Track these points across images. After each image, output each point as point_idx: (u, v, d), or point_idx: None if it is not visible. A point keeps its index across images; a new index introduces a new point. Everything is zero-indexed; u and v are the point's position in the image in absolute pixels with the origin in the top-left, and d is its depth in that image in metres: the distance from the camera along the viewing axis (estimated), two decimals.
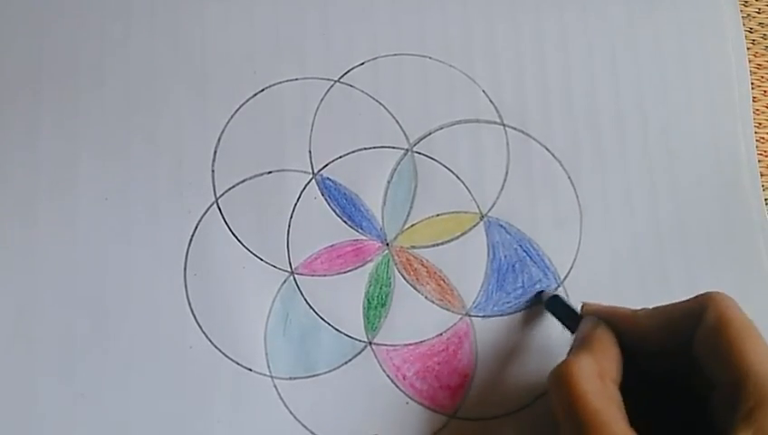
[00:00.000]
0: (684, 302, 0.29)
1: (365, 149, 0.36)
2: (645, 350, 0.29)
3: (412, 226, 0.36)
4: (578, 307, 0.33)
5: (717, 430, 0.26)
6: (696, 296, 0.28)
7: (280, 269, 0.35)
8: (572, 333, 0.32)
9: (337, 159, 0.36)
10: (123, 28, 0.36)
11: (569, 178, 0.37)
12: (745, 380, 0.25)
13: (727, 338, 0.26)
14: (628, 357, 0.29)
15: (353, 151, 0.36)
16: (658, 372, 0.29)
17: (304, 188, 0.35)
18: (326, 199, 0.35)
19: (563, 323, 0.34)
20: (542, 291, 0.35)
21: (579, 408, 0.26)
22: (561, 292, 0.35)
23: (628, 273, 0.36)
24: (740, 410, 0.25)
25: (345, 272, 0.35)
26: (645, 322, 0.30)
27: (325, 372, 0.34)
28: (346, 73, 0.37)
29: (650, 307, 0.30)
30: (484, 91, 0.37)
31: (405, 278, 0.35)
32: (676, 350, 0.28)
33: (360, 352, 0.34)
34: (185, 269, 0.34)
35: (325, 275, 0.35)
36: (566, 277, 0.36)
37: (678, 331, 0.28)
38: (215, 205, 0.35)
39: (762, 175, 0.38)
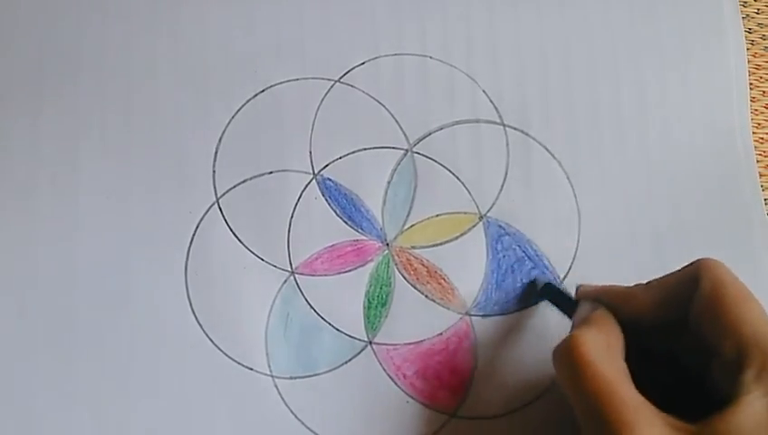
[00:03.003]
0: (677, 272, 0.29)
1: (365, 149, 0.36)
2: (642, 326, 0.29)
3: (412, 226, 0.36)
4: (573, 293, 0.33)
5: (721, 396, 0.26)
6: (689, 265, 0.29)
7: (280, 269, 0.35)
8: (570, 318, 0.32)
9: (337, 159, 0.36)
10: (123, 28, 0.36)
11: (567, 178, 0.37)
12: (748, 343, 0.25)
13: (724, 304, 0.26)
14: (626, 335, 0.29)
15: (353, 152, 0.36)
16: (657, 347, 0.30)
17: (305, 189, 0.35)
18: (326, 200, 0.35)
19: (560, 310, 0.33)
20: (535, 280, 0.35)
21: (588, 377, 0.26)
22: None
23: (626, 273, 0.35)
24: (746, 374, 0.25)
25: (345, 272, 0.35)
26: (641, 297, 0.30)
27: (326, 372, 0.34)
28: (346, 73, 0.37)
29: (644, 282, 0.30)
30: (484, 91, 0.37)
31: (405, 278, 0.35)
32: (673, 323, 0.28)
33: (360, 352, 0.34)
34: (186, 269, 0.34)
35: (325, 275, 0.35)
36: (565, 277, 0.36)
37: (674, 302, 0.28)
38: (215, 205, 0.35)
39: (761, 175, 0.38)
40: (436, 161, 0.36)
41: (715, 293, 0.27)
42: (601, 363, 0.26)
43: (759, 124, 0.39)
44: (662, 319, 0.29)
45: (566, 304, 0.33)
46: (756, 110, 0.39)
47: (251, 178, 0.35)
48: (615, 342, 0.28)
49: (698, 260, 0.28)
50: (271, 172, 0.36)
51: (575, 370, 0.26)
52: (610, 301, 0.30)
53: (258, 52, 0.37)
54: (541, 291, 0.35)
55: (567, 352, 0.27)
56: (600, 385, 0.26)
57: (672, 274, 0.29)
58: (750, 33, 0.39)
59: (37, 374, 0.33)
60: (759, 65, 0.39)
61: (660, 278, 0.30)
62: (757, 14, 0.40)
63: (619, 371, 0.27)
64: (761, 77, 0.39)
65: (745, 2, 0.40)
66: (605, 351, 0.27)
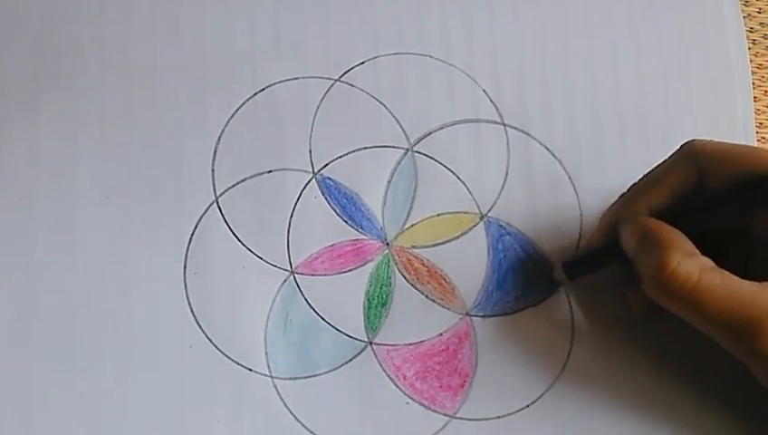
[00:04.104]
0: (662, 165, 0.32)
1: (365, 148, 0.36)
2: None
3: (412, 225, 0.36)
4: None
5: None
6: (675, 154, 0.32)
7: (280, 269, 0.34)
8: (625, 259, 0.31)
9: (337, 158, 0.36)
10: (123, 28, 0.36)
11: (569, 178, 0.37)
12: None
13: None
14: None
15: (353, 151, 0.36)
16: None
17: (304, 188, 0.35)
18: (326, 199, 0.35)
19: (599, 268, 0.34)
20: (548, 272, 0.35)
21: (654, 229, 0.30)
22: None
23: None
24: None
25: (345, 272, 0.35)
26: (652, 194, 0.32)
27: (325, 372, 0.34)
28: (346, 72, 0.37)
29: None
30: (484, 90, 0.37)
31: (405, 278, 0.35)
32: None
33: (360, 352, 0.34)
34: (184, 268, 0.34)
35: (325, 275, 0.35)
36: None
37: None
38: (215, 204, 0.35)
39: None
40: (436, 161, 0.36)
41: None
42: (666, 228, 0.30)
43: (761, 124, 0.39)
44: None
45: (599, 258, 0.33)
46: (758, 110, 0.39)
47: (250, 177, 0.35)
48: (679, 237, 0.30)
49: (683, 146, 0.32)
50: (270, 171, 0.35)
51: (642, 229, 0.30)
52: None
53: (258, 50, 0.37)
54: (568, 274, 0.34)
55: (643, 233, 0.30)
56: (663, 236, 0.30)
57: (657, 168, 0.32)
58: (751, 32, 0.39)
59: (35, 374, 0.32)
60: (760, 65, 0.39)
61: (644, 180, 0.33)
62: (758, 13, 0.40)
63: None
64: (762, 77, 0.39)
65: (746, 2, 0.40)
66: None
